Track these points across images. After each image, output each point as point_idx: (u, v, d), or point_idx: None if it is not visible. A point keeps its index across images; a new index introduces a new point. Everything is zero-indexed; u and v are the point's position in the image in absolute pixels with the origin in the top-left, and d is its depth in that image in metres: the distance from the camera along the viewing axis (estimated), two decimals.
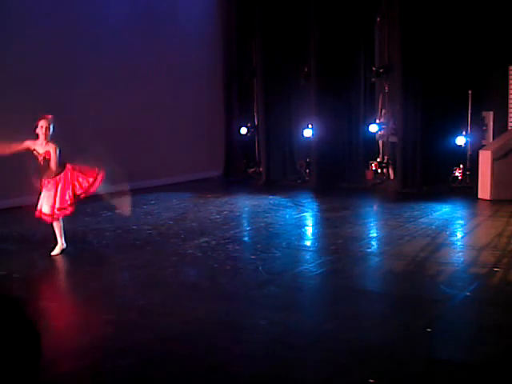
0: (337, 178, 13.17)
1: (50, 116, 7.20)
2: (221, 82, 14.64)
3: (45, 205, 7.26)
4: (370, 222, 10.12)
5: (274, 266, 7.19)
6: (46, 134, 7.10)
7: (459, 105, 12.34)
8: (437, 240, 8.28)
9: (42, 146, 7.15)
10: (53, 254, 7.42)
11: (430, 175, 12.39)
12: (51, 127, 7.16)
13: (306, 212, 10.74)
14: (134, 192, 12.23)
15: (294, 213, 10.49)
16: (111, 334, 5.25)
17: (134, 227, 9.32)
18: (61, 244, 7.48)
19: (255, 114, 14.56)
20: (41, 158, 7.16)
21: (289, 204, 11.20)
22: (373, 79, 13.39)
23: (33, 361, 2.00)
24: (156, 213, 10.51)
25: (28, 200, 10.64)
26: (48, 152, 7.16)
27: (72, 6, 11.80)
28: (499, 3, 11.84)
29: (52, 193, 7.21)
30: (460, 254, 7.77)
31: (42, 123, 7.11)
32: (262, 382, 4.42)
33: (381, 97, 13.34)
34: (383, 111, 13.30)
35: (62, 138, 11.53)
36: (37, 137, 7.13)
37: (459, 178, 12.38)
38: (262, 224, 9.46)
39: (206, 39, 14.45)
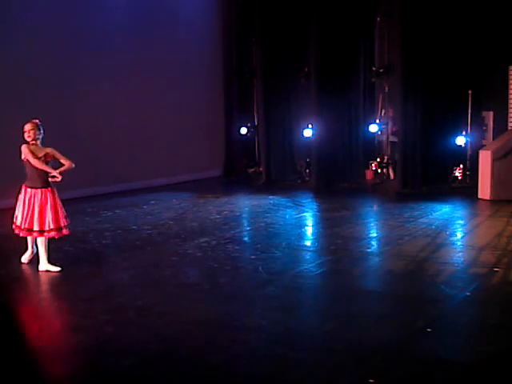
0: (337, 178, 13.16)
1: (35, 120, 7.06)
2: (221, 82, 14.63)
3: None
4: (370, 222, 10.11)
5: (274, 266, 7.19)
6: (32, 137, 6.94)
7: (459, 105, 12.34)
8: (437, 240, 8.28)
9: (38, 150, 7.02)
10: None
11: (429, 175, 12.38)
12: (38, 130, 6.99)
13: (306, 212, 10.74)
14: (135, 192, 12.31)
15: (293, 213, 10.49)
16: (111, 334, 5.25)
17: (134, 227, 9.32)
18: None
19: (255, 114, 14.56)
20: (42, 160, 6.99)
21: (289, 204, 11.19)
22: (373, 79, 13.39)
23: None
24: (156, 213, 10.50)
25: None
26: (48, 155, 7.06)
27: (72, 5, 11.80)
28: (499, 3, 11.84)
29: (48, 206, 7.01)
30: (460, 254, 7.77)
31: (26, 127, 6.97)
32: (262, 382, 4.42)
33: (381, 97, 13.34)
34: (383, 111, 13.31)
35: (61, 136, 11.54)
36: (27, 143, 7.01)
37: (459, 178, 12.38)
38: (262, 224, 9.46)
39: (206, 39, 14.45)
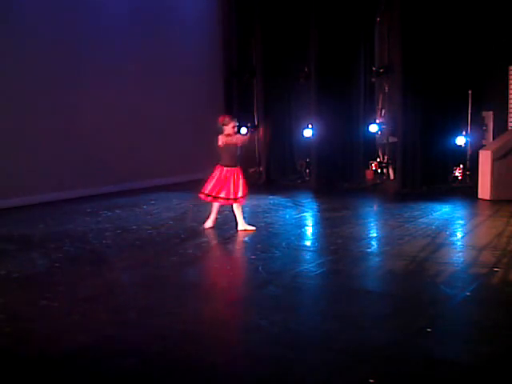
0: (337, 178, 13.17)
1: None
2: (221, 82, 14.64)
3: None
4: (370, 222, 10.11)
5: (274, 266, 7.19)
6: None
7: (459, 105, 12.34)
8: (437, 240, 8.28)
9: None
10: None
11: (429, 175, 12.39)
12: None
13: (306, 212, 10.74)
14: (135, 192, 12.31)
15: (294, 213, 10.49)
16: (111, 333, 5.25)
17: (134, 227, 9.32)
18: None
19: (255, 114, 14.57)
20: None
21: (289, 204, 11.19)
22: (373, 79, 13.39)
23: None
24: (156, 213, 10.51)
25: (28, 200, 10.69)
26: None
27: (71, 5, 11.80)
28: (499, 3, 11.85)
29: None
30: (460, 254, 7.77)
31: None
32: (262, 382, 4.42)
33: (381, 97, 13.35)
34: (383, 111, 13.31)
35: (62, 136, 11.55)
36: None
37: (459, 177, 12.39)
38: (262, 224, 9.46)
39: (205, 39, 14.45)
